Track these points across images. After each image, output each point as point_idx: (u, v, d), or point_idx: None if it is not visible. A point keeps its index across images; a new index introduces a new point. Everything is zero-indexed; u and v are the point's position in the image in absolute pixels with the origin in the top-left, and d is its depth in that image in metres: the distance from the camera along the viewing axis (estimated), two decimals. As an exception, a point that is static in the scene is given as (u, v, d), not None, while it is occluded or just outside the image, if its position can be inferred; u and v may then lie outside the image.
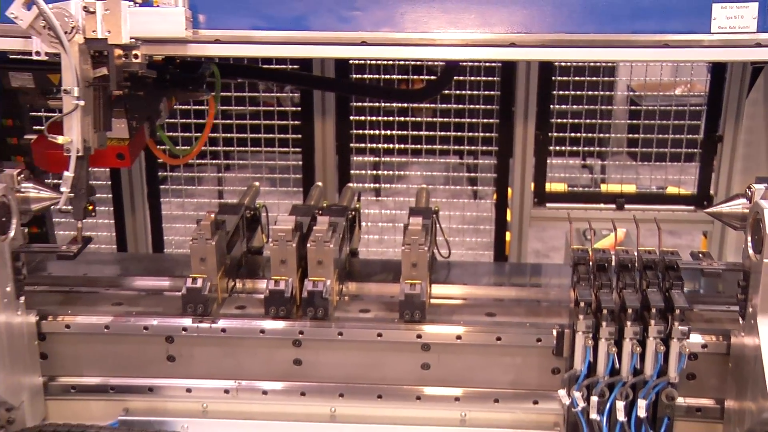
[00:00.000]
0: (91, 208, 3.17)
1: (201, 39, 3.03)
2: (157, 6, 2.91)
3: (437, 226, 3.67)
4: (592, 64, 6.24)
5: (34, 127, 4.90)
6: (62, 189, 3.04)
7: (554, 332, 3.19)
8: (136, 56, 2.94)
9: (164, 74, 3.61)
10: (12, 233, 3.04)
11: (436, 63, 5.61)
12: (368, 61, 5.70)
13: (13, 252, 3.06)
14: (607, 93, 6.47)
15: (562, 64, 5.98)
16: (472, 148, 6.39)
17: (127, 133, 3.39)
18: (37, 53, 2.96)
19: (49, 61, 3.11)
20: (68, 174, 3.02)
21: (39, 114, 5.71)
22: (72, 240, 3.30)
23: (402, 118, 6.10)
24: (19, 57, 3.37)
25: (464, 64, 5.68)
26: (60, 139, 2.98)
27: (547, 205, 5.83)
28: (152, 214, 6.00)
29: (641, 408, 3.00)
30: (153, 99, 3.54)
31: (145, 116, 3.50)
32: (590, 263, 3.20)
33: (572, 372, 3.07)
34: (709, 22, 3.04)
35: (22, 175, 3.12)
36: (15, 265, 3.07)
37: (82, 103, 2.91)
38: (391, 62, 5.79)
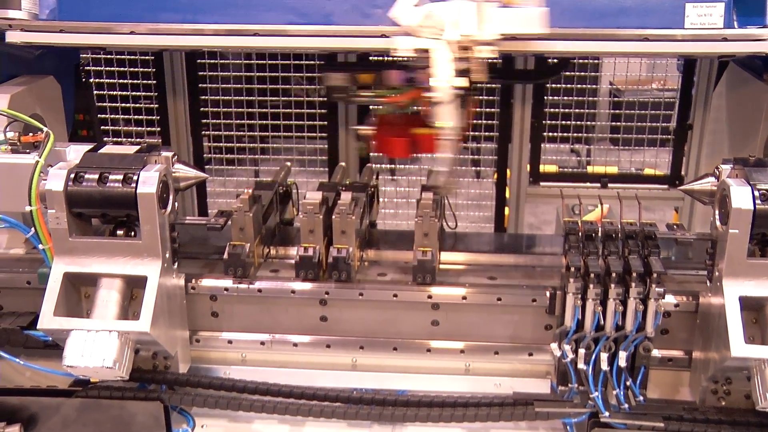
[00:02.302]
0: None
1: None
2: (517, 6, 2.90)
3: (445, 201, 3.65)
4: (579, 61, 6.22)
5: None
6: (438, 169, 3.06)
7: (548, 293, 3.18)
8: (494, 51, 2.92)
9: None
10: (170, 207, 3.05)
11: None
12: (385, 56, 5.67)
13: (170, 224, 3.06)
14: (593, 87, 6.43)
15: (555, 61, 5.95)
16: (476, 133, 6.36)
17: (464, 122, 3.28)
18: (398, 50, 2.95)
19: (361, 63, 3.30)
20: (444, 156, 3.01)
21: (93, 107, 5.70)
22: (218, 214, 3.36)
23: (415, 108, 6.06)
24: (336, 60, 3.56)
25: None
26: (441, 125, 2.95)
27: (541, 183, 5.82)
28: (198, 189, 6.00)
29: (622, 359, 2.99)
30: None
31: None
32: (579, 233, 3.19)
33: (563, 328, 3.06)
34: (682, 19, 3.03)
35: (176, 157, 3.13)
36: (172, 234, 3.08)
37: (453, 92, 2.90)
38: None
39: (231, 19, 3.16)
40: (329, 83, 3.48)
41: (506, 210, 5.96)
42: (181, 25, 3.19)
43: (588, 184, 5.77)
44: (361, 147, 3.56)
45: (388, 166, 6.57)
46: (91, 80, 5.63)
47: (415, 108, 3.39)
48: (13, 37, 3.26)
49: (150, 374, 3.19)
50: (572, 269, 3.01)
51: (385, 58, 3.42)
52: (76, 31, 3.25)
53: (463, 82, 2.92)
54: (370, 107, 3.52)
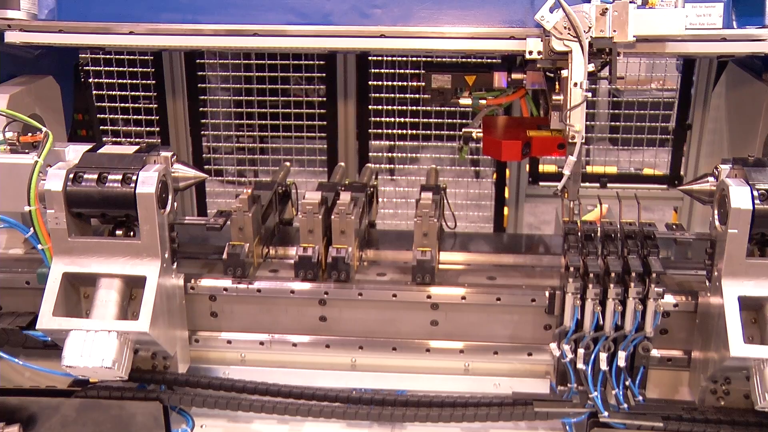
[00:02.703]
0: None
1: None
2: (653, 7, 2.92)
3: (445, 201, 3.65)
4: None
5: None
6: (565, 172, 3.07)
7: (547, 294, 3.18)
8: (619, 54, 2.96)
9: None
10: (169, 207, 3.04)
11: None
12: (385, 57, 5.69)
13: (170, 224, 3.06)
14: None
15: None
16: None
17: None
18: (530, 53, 3.00)
19: (465, 66, 3.29)
20: (573, 159, 3.04)
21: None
22: (217, 214, 3.36)
23: (414, 108, 6.06)
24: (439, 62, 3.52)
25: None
26: (577, 127, 2.98)
27: (540, 183, 5.81)
28: (197, 189, 6.00)
29: (621, 359, 2.99)
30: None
31: None
32: (579, 233, 3.19)
33: (562, 328, 3.07)
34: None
35: (175, 157, 3.13)
36: (171, 234, 3.08)
37: (589, 95, 2.92)
38: (405, 57, 5.79)
39: (230, 19, 3.16)
40: (434, 85, 3.46)
41: (505, 210, 5.96)
42: (181, 26, 3.19)
43: (587, 184, 5.75)
44: (464, 149, 3.55)
45: (388, 166, 6.56)
46: (91, 80, 5.62)
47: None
48: (12, 37, 3.26)
49: (149, 374, 3.19)
50: (572, 269, 3.02)
51: (485, 60, 3.42)
52: (75, 32, 3.25)
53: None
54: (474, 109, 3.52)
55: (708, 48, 3.09)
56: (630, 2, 2.88)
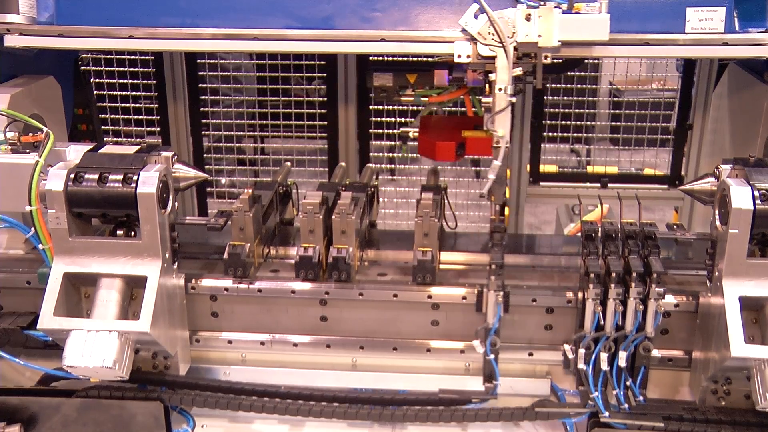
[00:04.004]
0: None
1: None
2: (578, 13, 2.94)
3: (445, 201, 3.65)
4: (580, 61, 6.22)
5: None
6: (490, 176, 3.12)
7: (476, 291, 3.21)
8: (546, 57, 3.00)
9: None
10: (170, 207, 3.04)
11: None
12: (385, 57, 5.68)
13: (170, 224, 3.06)
14: (593, 87, 6.42)
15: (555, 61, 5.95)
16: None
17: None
18: (459, 56, 3.02)
19: (407, 63, 3.35)
20: (497, 163, 3.09)
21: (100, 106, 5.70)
22: (218, 214, 3.35)
23: (415, 108, 6.06)
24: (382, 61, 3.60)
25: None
26: (499, 132, 3.03)
27: (541, 183, 5.81)
28: (198, 189, 6.00)
29: (622, 359, 2.99)
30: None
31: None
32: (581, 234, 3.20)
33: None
34: (683, 23, 3.04)
35: (176, 157, 3.13)
36: (172, 234, 3.08)
37: (513, 99, 2.95)
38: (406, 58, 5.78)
39: (230, 23, 3.16)
40: (375, 83, 3.49)
41: (506, 210, 5.95)
42: (180, 29, 3.19)
43: (587, 184, 5.76)
44: (404, 149, 3.60)
45: (388, 166, 6.56)
46: (91, 80, 5.62)
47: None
48: (11, 41, 3.27)
49: (151, 376, 3.20)
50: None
51: (428, 59, 3.43)
52: (74, 35, 3.25)
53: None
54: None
55: (709, 52, 3.09)
56: (555, 7, 2.90)
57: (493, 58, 2.97)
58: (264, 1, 3.15)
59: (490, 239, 3.22)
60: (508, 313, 3.17)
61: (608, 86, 7.33)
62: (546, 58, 3.00)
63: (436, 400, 3.16)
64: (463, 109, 3.56)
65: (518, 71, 3.00)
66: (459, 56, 3.02)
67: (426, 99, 3.47)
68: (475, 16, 2.95)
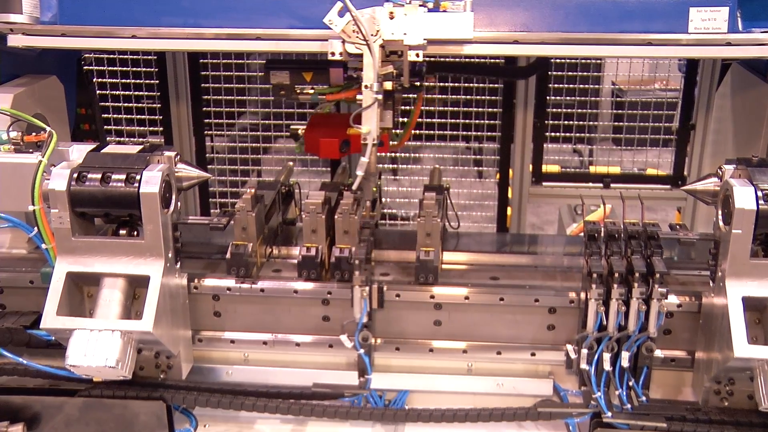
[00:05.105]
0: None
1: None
2: (445, 11, 2.96)
3: (448, 201, 3.65)
4: (582, 61, 6.22)
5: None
6: (358, 173, 3.14)
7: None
8: (417, 55, 3.02)
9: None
10: (172, 207, 3.04)
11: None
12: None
13: (173, 223, 3.06)
14: (595, 87, 6.44)
15: (557, 61, 5.96)
16: (478, 134, 6.36)
17: (391, 123, 3.39)
18: (332, 54, 3.05)
19: (303, 62, 3.35)
20: (365, 160, 3.13)
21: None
22: (220, 213, 3.34)
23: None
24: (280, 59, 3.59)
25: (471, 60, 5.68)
26: (363, 129, 3.06)
27: (543, 183, 5.81)
28: (201, 189, 6.00)
29: (624, 359, 2.99)
30: (406, 92, 3.53)
31: (399, 106, 3.51)
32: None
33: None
34: (686, 23, 3.03)
35: (178, 157, 3.13)
36: (174, 234, 3.07)
37: (380, 97, 2.96)
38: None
39: (232, 23, 3.17)
40: (273, 81, 3.53)
41: (508, 210, 5.96)
42: (183, 29, 3.20)
43: (590, 184, 5.76)
44: (298, 145, 3.64)
45: (391, 166, 6.57)
46: (94, 80, 5.63)
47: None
48: (14, 40, 3.27)
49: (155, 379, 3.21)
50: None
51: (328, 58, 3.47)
52: (78, 35, 3.26)
53: (389, 86, 3.03)
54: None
55: (713, 52, 3.09)
56: (420, 6, 2.92)
57: (361, 55, 3.00)
58: (267, 1, 3.15)
59: (358, 235, 3.22)
60: (382, 308, 3.22)
61: (611, 86, 7.33)
62: (417, 56, 3.03)
63: (309, 394, 3.20)
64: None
65: (389, 69, 3.05)
66: (332, 54, 3.05)
67: (323, 97, 3.51)
68: (341, 14, 2.97)
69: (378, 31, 2.94)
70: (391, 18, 2.93)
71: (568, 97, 6.23)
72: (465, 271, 3.50)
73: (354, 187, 3.23)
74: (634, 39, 3.06)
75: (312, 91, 3.53)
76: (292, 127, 3.67)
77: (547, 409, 3.09)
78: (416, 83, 3.26)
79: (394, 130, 3.63)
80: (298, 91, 3.55)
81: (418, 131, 6.17)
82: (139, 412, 3.08)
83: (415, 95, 3.64)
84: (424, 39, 2.95)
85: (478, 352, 3.30)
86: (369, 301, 3.11)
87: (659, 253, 3.03)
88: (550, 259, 3.56)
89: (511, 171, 5.86)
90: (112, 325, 2.89)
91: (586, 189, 5.69)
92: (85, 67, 4.62)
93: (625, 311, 2.96)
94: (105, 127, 5.69)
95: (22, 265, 3.38)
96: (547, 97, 5.79)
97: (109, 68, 6.08)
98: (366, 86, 3.00)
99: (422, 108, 6.02)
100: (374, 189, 3.67)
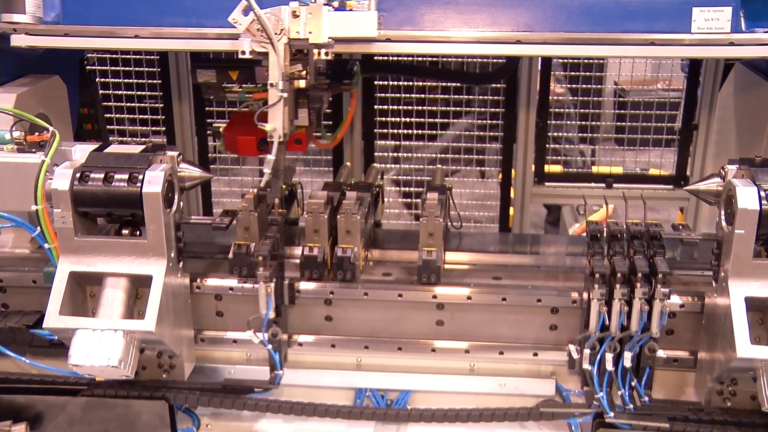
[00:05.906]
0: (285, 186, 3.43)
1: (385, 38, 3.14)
2: (351, 10, 2.99)
3: (450, 201, 3.65)
4: (585, 61, 6.21)
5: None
6: (265, 170, 3.16)
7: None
8: (327, 54, 3.04)
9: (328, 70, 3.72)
10: (175, 207, 3.05)
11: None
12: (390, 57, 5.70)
13: (175, 223, 3.06)
14: (598, 87, 6.42)
15: (560, 61, 5.95)
16: (481, 134, 6.35)
17: (306, 121, 3.41)
18: (243, 52, 3.04)
19: (229, 60, 3.33)
20: (271, 157, 3.14)
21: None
22: (223, 213, 3.34)
23: (419, 108, 6.07)
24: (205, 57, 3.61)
25: (474, 59, 5.67)
26: (267, 127, 3.07)
27: (546, 183, 5.80)
28: (203, 189, 6.00)
29: (627, 359, 2.99)
30: (322, 91, 3.54)
31: (318, 106, 3.51)
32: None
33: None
34: (689, 23, 3.03)
35: (181, 157, 3.14)
36: (177, 234, 3.08)
37: (285, 95, 2.97)
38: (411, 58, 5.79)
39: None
40: (200, 80, 3.56)
41: (511, 210, 5.95)
42: (185, 29, 3.20)
43: (592, 185, 5.75)
44: (220, 144, 3.66)
45: (393, 166, 6.56)
46: (97, 80, 5.63)
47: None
48: (18, 40, 3.27)
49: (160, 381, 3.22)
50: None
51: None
52: (80, 35, 3.26)
53: (286, 86, 3.04)
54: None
55: (716, 52, 3.09)
56: (325, 5, 2.93)
57: (267, 54, 3.02)
58: (267, 1, 3.15)
59: (266, 231, 3.25)
60: (291, 304, 3.27)
61: (613, 86, 7.32)
62: (327, 54, 3.05)
63: (219, 389, 3.21)
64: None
65: (297, 67, 3.09)
66: (243, 52, 3.05)
67: (250, 95, 3.53)
68: (245, 13, 2.98)
69: (282, 29, 2.95)
70: (295, 17, 2.96)
71: (570, 97, 6.22)
72: (467, 271, 3.50)
73: (261, 184, 3.23)
74: (637, 39, 3.05)
75: (240, 90, 3.54)
76: (214, 125, 3.68)
77: (549, 409, 3.10)
78: (345, 82, 3.41)
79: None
80: (226, 89, 3.57)
81: (420, 131, 6.16)
82: (142, 412, 3.08)
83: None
84: (329, 38, 2.97)
85: (481, 352, 3.30)
86: (274, 297, 3.13)
87: (662, 253, 3.03)
88: (552, 259, 3.56)
89: (513, 171, 5.85)
90: (115, 324, 2.90)
91: (588, 189, 5.69)
92: (88, 67, 4.61)
93: (628, 311, 2.96)
94: (108, 126, 5.68)
95: (24, 264, 3.38)
96: (550, 97, 5.78)
97: (112, 68, 6.07)
98: (271, 84, 3.02)
99: (425, 108, 6.05)
100: (283, 186, 3.66)
